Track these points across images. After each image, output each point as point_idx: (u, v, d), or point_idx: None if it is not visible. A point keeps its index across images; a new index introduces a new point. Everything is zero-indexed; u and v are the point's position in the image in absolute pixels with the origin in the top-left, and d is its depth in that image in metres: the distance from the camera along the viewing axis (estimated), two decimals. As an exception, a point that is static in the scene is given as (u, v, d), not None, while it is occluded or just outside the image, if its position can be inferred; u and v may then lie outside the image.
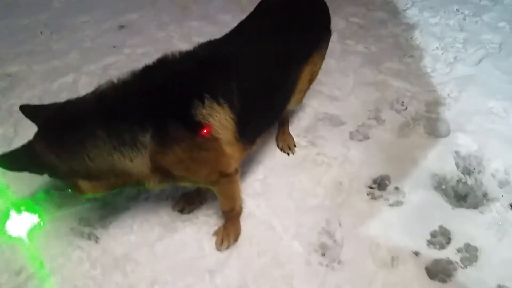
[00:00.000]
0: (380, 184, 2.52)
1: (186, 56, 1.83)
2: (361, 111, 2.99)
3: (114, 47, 3.63)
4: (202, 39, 3.40)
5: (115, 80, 1.73)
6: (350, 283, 2.07)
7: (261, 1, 2.35)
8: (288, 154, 2.71)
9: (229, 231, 2.24)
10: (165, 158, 1.71)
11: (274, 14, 2.21)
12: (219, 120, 1.73)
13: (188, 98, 1.69)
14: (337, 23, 3.89)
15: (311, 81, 2.49)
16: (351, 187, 2.51)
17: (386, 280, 2.08)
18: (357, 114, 2.97)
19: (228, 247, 2.21)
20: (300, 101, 2.56)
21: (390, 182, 2.53)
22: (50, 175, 1.77)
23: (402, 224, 2.33)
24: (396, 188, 2.49)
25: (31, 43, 3.69)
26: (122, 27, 3.91)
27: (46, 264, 2.15)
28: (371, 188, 2.51)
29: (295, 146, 2.75)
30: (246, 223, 2.34)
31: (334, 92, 3.14)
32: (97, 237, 2.26)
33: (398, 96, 3.12)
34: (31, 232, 2.28)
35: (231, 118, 1.77)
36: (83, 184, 1.77)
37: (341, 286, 2.06)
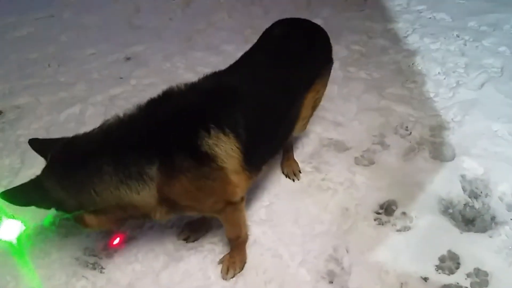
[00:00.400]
0: (386, 209, 2.50)
1: (191, 88, 1.87)
2: (366, 136, 3.00)
3: (121, 78, 3.70)
4: (207, 69, 3.45)
5: (121, 115, 1.78)
6: (359, 311, 2.03)
7: (264, 33, 2.41)
8: (294, 180, 2.71)
9: (235, 259, 2.21)
10: (172, 189, 1.73)
11: (277, 44, 2.26)
12: (225, 150, 1.75)
13: (194, 129, 1.72)
14: (339, 51, 3.97)
15: (314, 107, 2.52)
16: (358, 212, 2.49)
17: (395, 307, 2.04)
18: (362, 139, 2.98)
19: (234, 275, 2.18)
20: (304, 127, 2.59)
21: (397, 207, 2.51)
22: (57, 209, 1.78)
23: (410, 250, 2.29)
24: (403, 213, 2.47)
25: (39, 76, 3.77)
26: (128, 59, 4.00)
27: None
28: (378, 213, 2.49)
29: (300, 172, 2.74)
30: (252, 251, 2.32)
31: (338, 118, 3.16)
32: (102, 267, 2.24)
33: (402, 121, 3.13)
34: (35, 261, 2.26)
35: (237, 148, 1.78)
36: (89, 218, 1.80)
37: (350, 314, 2.02)
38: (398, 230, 2.39)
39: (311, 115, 2.57)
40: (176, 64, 3.89)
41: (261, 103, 1.95)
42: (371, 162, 2.81)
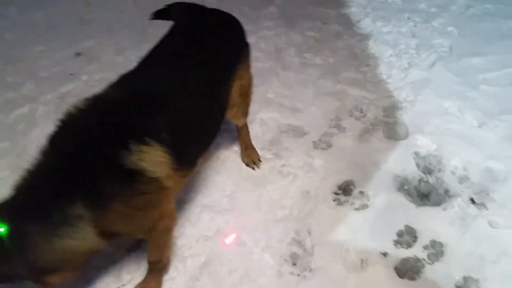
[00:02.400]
0: (345, 189, 2.56)
1: (95, 105, 1.68)
2: (323, 121, 3.05)
3: (71, 74, 3.57)
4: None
5: (30, 167, 1.58)
6: (322, 290, 2.07)
7: (171, 28, 2.24)
8: (254, 169, 2.72)
9: (150, 284, 2.07)
10: (109, 220, 1.60)
11: (187, 38, 2.11)
12: (152, 160, 1.63)
13: (112, 151, 1.57)
14: (294, 38, 4.00)
15: (244, 95, 2.43)
16: (318, 195, 2.54)
17: (357, 284, 2.10)
18: (319, 123, 3.02)
19: None
20: (240, 116, 2.53)
21: (354, 187, 2.57)
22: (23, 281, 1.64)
23: (369, 227, 2.36)
24: (361, 192, 2.54)
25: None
26: (78, 54, 3.86)
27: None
28: (336, 194, 2.54)
29: (259, 160, 2.75)
30: (215, 242, 2.32)
31: (296, 104, 3.19)
32: None
33: (357, 104, 3.20)
34: None
35: (164, 152, 1.68)
36: (50, 278, 1.62)
37: (313, 293, 2.06)
38: (357, 209, 2.46)
39: (245, 103, 2.50)
40: (129, 57, 3.78)
41: (182, 101, 1.84)
42: (329, 145, 2.86)
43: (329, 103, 3.21)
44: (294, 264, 2.20)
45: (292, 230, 2.35)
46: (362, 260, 2.20)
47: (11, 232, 1.47)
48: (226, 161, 2.76)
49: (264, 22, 4.25)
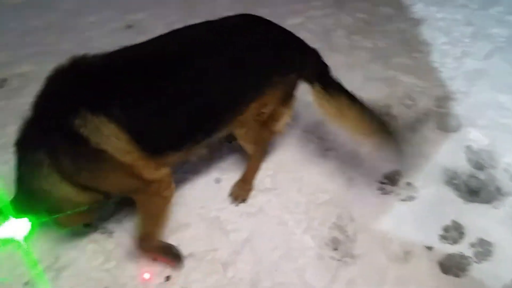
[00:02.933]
0: (391, 179, 2.51)
1: (77, 66, 1.76)
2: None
3: (122, 46, 3.63)
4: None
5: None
6: (363, 277, 2.07)
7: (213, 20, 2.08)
8: (231, 203, 2.43)
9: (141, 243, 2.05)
10: (73, 175, 1.72)
11: (223, 31, 2.00)
12: (97, 131, 1.65)
13: (66, 111, 1.66)
14: (343, 19, 3.91)
15: (259, 122, 2.16)
16: (363, 182, 2.50)
17: (399, 274, 2.08)
18: (367, 109, 2.96)
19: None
20: (249, 142, 2.30)
21: (401, 177, 2.52)
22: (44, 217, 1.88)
23: (414, 219, 2.32)
24: (408, 183, 2.49)
25: (41, 44, 3.70)
26: (129, 26, 3.92)
27: (61, 257, 2.16)
28: (382, 183, 2.50)
29: (244, 200, 2.43)
30: (256, 218, 2.35)
31: (343, 88, 3.13)
32: (111, 231, 2.26)
33: (408, 92, 3.11)
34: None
35: (116, 127, 1.68)
36: (61, 219, 1.90)
37: (353, 280, 2.06)
38: (403, 200, 2.41)
39: (259, 133, 2.25)
40: (178, 32, 3.81)
41: (159, 86, 1.78)
42: (377, 133, 2.80)
43: (378, 89, 3.13)
44: (335, 249, 2.20)
45: (334, 214, 2.35)
46: (406, 252, 2.18)
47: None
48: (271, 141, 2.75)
49: (313, 1, 4.16)
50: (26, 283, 2.06)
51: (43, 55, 3.54)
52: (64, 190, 1.75)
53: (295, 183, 2.52)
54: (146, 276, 2.10)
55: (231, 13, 3.89)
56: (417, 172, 2.53)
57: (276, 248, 2.21)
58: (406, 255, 2.15)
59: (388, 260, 2.13)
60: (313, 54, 2.23)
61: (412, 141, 2.69)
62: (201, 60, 1.85)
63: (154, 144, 1.83)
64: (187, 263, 2.15)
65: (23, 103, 3.01)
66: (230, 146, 2.68)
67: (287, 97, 2.22)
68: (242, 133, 2.23)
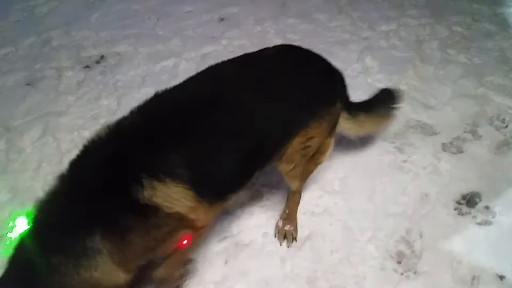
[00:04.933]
0: (469, 200, 2.37)
1: (115, 133, 1.61)
2: (457, 123, 2.83)
3: (213, 37, 3.80)
4: (296, 37, 3.41)
5: (44, 196, 1.57)
6: (425, 295, 1.98)
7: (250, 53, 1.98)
8: (280, 244, 2.26)
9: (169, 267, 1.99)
10: (128, 252, 1.57)
11: (263, 64, 1.90)
12: (167, 196, 1.55)
13: (125, 184, 1.52)
14: (439, 30, 3.75)
15: (305, 157, 2.06)
16: (438, 200, 2.39)
17: (464, 298, 1.97)
18: (453, 125, 2.82)
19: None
20: (295, 177, 2.17)
21: (480, 200, 2.37)
22: None
23: (489, 245, 2.18)
24: (487, 207, 2.33)
25: (139, 27, 3.99)
26: (222, 19, 4.08)
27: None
28: (459, 203, 2.37)
29: (294, 238, 2.26)
30: (320, 219, 2.34)
31: (430, 101, 3.01)
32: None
33: (500, 112, 2.91)
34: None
35: (182, 187, 1.58)
36: None
37: (414, 296, 1.98)
38: (478, 223, 2.27)
39: (305, 167, 2.12)
40: (267, 28, 3.89)
41: (207, 131, 1.67)
42: (460, 151, 2.66)
43: (467, 105, 2.96)
44: (399, 262, 2.13)
45: (403, 228, 2.27)
46: (474, 277, 2.05)
47: (40, 264, 1.48)
48: (346, 143, 2.72)
49: (408, 9, 4.04)
50: None
51: (139, 38, 3.82)
52: (114, 276, 1.57)
53: (365, 190, 2.47)
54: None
55: (320, 13, 3.96)
56: (498, 197, 2.37)
57: (337, 251, 2.19)
58: (473, 280, 2.03)
59: (453, 282, 2.02)
60: (342, 79, 2.12)
61: (496, 165, 2.53)
62: (246, 97, 1.74)
63: (215, 192, 1.76)
64: (246, 251, 2.20)
65: (116, 79, 3.36)
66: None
67: (333, 128, 2.11)
68: (288, 169, 2.09)
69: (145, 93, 3.11)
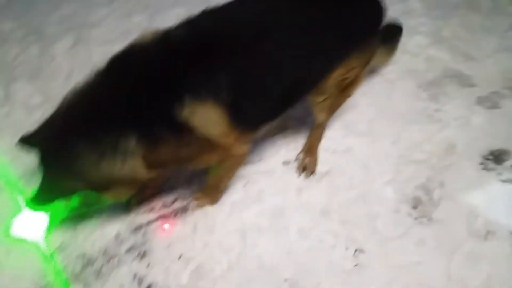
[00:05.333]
0: (497, 157, 2.31)
1: (161, 42, 1.57)
2: (497, 78, 2.69)
3: None
4: None
5: (79, 86, 1.57)
6: (435, 241, 1.99)
7: None
8: (299, 176, 2.27)
9: (204, 200, 2.14)
10: (158, 158, 1.60)
11: None
12: (205, 118, 1.54)
13: (167, 99, 1.51)
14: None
15: (340, 88, 2.02)
16: (464, 152, 2.33)
17: (474, 249, 1.96)
18: (492, 80, 2.68)
19: (202, 206, 2.14)
20: (325, 110, 2.16)
21: (509, 158, 2.30)
22: (78, 194, 1.79)
23: (509, 203, 2.14)
24: (514, 166, 2.28)
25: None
26: None
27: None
28: (486, 158, 2.31)
29: (313, 173, 2.27)
30: (341, 157, 2.34)
31: (472, 51, 2.85)
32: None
33: (546, 71, 2.75)
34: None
35: (221, 111, 1.57)
36: (105, 194, 1.72)
37: (424, 241, 1.99)
38: (503, 181, 2.22)
39: (337, 100, 2.12)
40: None
41: (257, 53, 1.63)
42: (495, 106, 2.55)
43: (511, 60, 2.80)
44: (414, 207, 2.12)
45: (424, 176, 2.24)
46: (488, 231, 2.03)
47: (62, 144, 1.53)
48: (374, 85, 2.66)
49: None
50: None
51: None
52: (140, 174, 1.61)
53: (391, 134, 2.43)
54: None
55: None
56: (528, 157, 2.30)
57: (353, 189, 2.20)
58: (487, 234, 2.01)
59: (466, 233, 2.01)
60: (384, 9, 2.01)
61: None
62: (296, 25, 1.69)
63: (250, 120, 1.76)
64: (265, 178, 2.24)
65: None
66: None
67: (371, 59, 2.06)
68: (319, 100, 2.06)
69: (178, 14, 3.06)
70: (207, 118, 1.55)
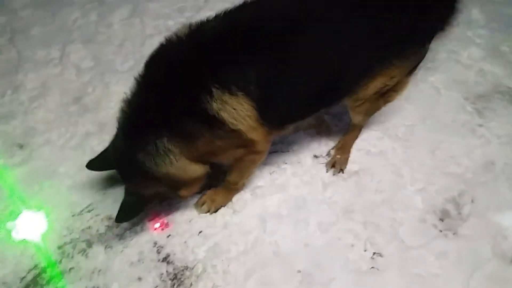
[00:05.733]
0: (538, 181, 2.21)
1: (193, 37, 1.58)
2: (555, 100, 2.56)
3: None
4: None
5: (129, 95, 1.67)
6: (458, 256, 1.94)
7: None
8: (327, 171, 2.25)
9: (217, 197, 2.11)
10: (196, 154, 1.68)
11: None
12: (235, 112, 1.55)
13: (196, 92, 1.52)
14: None
15: (379, 95, 1.95)
16: (503, 171, 2.24)
17: (497, 271, 1.90)
18: (548, 101, 2.56)
19: (206, 211, 2.11)
20: (361, 114, 2.09)
21: (551, 183, 2.20)
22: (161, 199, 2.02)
23: (544, 230, 2.05)
24: (555, 192, 2.17)
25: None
26: None
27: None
28: (526, 181, 2.22)
29: (342, 170, 2.24)
30: (374, 159, 2.31)
31: (531, 69, 2.72)
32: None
33: None
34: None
35: (250, 106, 1.57)
36: (181, 192, 1.88)
37: (445, 254, 1.95)
38: (540, 207, 2.13)
39: (375, 105, 2.03)
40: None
41: (290, 49, 1.58)
42: (545, 130, 2.43)
43: None
44: (441, 220, 2.07)
45: (457, 189, 2.18)
46: (516, 256, 1.97)
47: (129, 160, 1.68)
48: (420, 91, 2.59)
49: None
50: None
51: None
52: (192, 170, 1.73)
53: (429, 143, 2.36)
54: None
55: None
56: None
57: (380, 192, 2.17)
58: (515, 258, 1.95)
59: (491, 254, 1.95)
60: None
61: None
62: (333, 22, 1.62)
63: (278, 117, 1.76)
64: (292, 168, 2.25)
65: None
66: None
67: (416, 67, 1.95)
68: (356, 104, 1.99)
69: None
70: (237, 111, 1.56)
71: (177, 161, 1.64)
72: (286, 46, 1.57)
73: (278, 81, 1.60)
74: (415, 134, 2.41)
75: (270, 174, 2.23)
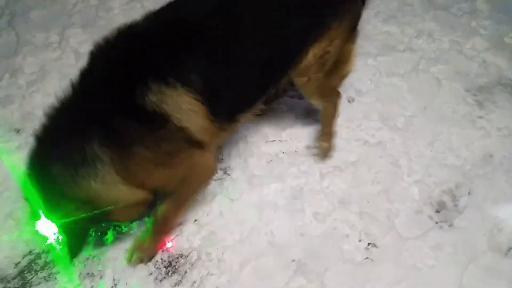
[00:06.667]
0: (537, 175, 2.20)
1: (122, 37, 1.49)
2: (555, 94, 2.53)
3: None
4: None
5: (56, 104, 1.50)
6: (453, 247, 1.95)
7: None
8: (314, 155, 2.24)
9: (150, 246, 1.88)
10: (133, 166, 1.47)
11: None
12: (177, 105, 1.43)
13: (129, 87, 1.39)
14: None
15: (323, 66, 1.86)
16: (502, 164, 2.23)
17: (492, 263, 1.90)
18: (548, 95, 2.53)
19: (140, 262, 1.87)
20: (313, 92, 1.99)
21: (551, 178, 2.19)
22: (94, 223, 1.72)
23: (540, 223, 2.05)
24: (554, 187, 2.16)
25: None
26: None
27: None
28: (524, 174, 2.21)
29: (327, 155, 2.21)
30: (372, 149, 2.30)
31: (534, 62, 2.69)
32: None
33: None
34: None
35: (193, 99, 1.46)
36: (112, 217, 1.63)
37: (441, 246, 1.95)
38: (538, 200, 2.12)
39: (324, 79, 1.93)
40: None
41: (226, 37, 1.53)
42: (546, 121, 2.41)
43: None
44: (438, 212, 2.07)
45: (454, 181, 2.17)
46: (511, 248, 1.96)
47: (42, 174, 1.45)
48: (421, 82, 2.57)
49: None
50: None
51: None
52: (116, 191, 1.49)
53: (429, 134, 2.36)
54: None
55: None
56: None
57: (378, 183, 2.16)
58: (509, 250, 1.94)
59: (487, 246, 1.95)
60: None
61: None
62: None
63: (227, 111, 1.65)
64: (290, 158, 2.25)
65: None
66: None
67: (354, 30, 1.89)
68: (303, 80, 1.90)
69: None
70: (179, 105, 1.45)
71: (107, 172, 1.43)
72: (221, 30, 1.53)
73: (220, 66, 1.54)
74: (415, 124, 2.39)
75: (268, 163, 2.23)
